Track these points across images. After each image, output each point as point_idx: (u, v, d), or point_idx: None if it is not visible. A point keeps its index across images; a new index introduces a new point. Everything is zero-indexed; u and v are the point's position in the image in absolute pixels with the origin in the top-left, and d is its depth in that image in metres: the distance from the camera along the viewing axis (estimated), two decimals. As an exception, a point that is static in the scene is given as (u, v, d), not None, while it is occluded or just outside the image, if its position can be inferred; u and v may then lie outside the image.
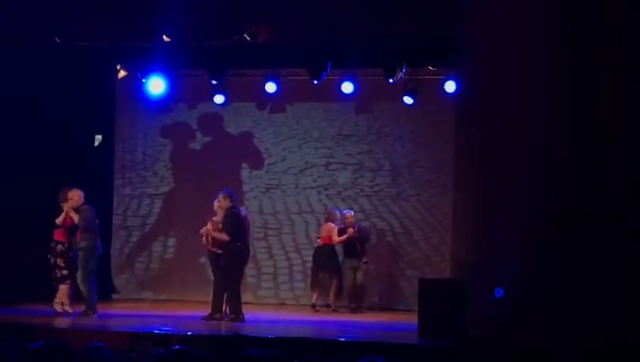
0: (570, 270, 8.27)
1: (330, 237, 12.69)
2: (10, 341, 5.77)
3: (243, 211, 11.34)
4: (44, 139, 12.63)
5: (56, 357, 3.99)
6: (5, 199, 12.00)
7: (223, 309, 10.87)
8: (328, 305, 12.65)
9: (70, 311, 10.87)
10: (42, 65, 12.05)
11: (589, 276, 8.19)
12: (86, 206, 10.99)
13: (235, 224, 10.92)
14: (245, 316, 10.91)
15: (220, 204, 11.03)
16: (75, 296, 11.04)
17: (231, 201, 10.99)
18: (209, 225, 11.10)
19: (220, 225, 10.95)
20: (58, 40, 11.00)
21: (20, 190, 12.21)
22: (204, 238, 11.24)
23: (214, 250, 11.05)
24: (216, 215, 11.14)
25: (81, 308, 10.90)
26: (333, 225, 12.74)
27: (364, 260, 12.70)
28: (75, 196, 10.96)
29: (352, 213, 12.97)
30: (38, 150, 12.54)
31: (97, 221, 11.11)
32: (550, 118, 8.53)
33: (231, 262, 10.88)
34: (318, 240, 12.93)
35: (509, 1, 8.96)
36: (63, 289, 10.95)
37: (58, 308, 10.88)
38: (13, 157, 12.18)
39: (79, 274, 10.80)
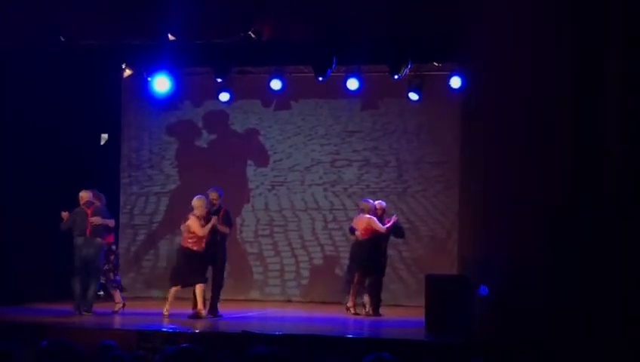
0: (575, 266, 8.27)
1: (371, 230, 11.52)
2: (19, 340, 5.79)
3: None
4: (50, 138, 12.66)
5: (61, 356, 4.00)
6: (13, 199, 12.03)
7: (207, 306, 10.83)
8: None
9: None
10: (47, 64, 12.06)
11: (595, 272, 8.19)
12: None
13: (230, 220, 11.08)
14: (252, 313, 10.91)
15: (213, 200, 10.99)
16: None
17: (219, 198, 11.09)
18: (191, 221, 10.87)
19: (203, 220, 10.81)
20: (62, 39, 11.00)
21: (28, 189, 12.23)
22: (184, 234, 11.01)
23: (189, 246, 10.86)
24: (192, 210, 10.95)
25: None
26: (368, 215, 11.62)
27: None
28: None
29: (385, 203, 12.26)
30: (44, 149, 12.57)
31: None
32: (553, 114, 8.53)
33: (225, 258, 11.04)
34: (357, 234, 11.65)
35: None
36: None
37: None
38: (19, 156, 12.20)
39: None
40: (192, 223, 10.67)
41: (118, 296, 11.31)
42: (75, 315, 10.64)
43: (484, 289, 10.37)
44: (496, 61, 9.04)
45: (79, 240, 10.78)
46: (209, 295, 10.97)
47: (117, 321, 10.62)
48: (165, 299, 10.99)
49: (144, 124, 14.48)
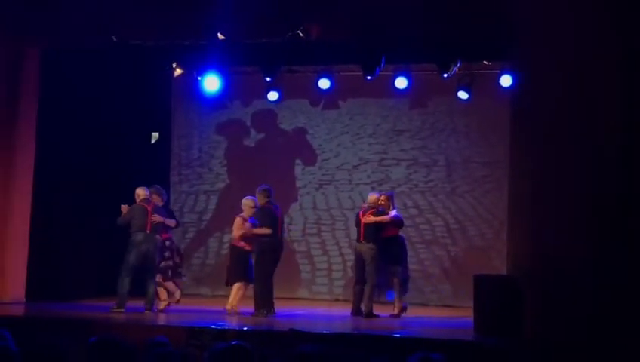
0: (630, 268, 8.14)
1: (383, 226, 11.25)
2: (69, 336, 5.88)
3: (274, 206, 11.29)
4: (102, 137, 12.85)
5: (110, 352, 4.06)
6: (65, 197, 12.22)
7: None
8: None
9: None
10: (100, 64, 12.24)
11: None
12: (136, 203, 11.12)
13: (273, 218, 11.02)
14: (300, 312, 10.92)
15: (258, 199, 11.07)
16: (134, 292, 11.13)
17: (267, 197, 11.08)
18: (239, 221, 11.02)
19: (246, 221, 10.90)
20: (114, 39, 11.15)
21: (80, 188, 12.42)
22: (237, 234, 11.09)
23: (242, 246, 10.97)
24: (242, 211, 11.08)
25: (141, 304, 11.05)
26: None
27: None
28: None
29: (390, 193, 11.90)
30: (96, 148, 12.75)
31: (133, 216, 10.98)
32: (602, 111, 8.42)
33: (270, 257, 10.97)
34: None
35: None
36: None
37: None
38: (71, 155, 12.39)
39: None
40: (235, 223, 10.85)
41: (178, 291, 11.39)
42: (126, 312, 10.74)
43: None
44: (544, 60, 8.95)
45: (139, 236, 10.81)
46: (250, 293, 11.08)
47: (166, 318, 10.72)
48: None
49: (194, 123, 14.61)
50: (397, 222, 11.36)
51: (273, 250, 11.02)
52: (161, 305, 11.18)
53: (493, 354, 8.35)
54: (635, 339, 8.00)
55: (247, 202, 11.04)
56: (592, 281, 8.33)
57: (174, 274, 11.46)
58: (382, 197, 11.44)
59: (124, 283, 10.79)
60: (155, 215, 10.93)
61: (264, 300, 10.83)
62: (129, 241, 10.84)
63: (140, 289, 10.96)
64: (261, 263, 10.92)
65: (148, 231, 10.84)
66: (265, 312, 10.75)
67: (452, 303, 12.92)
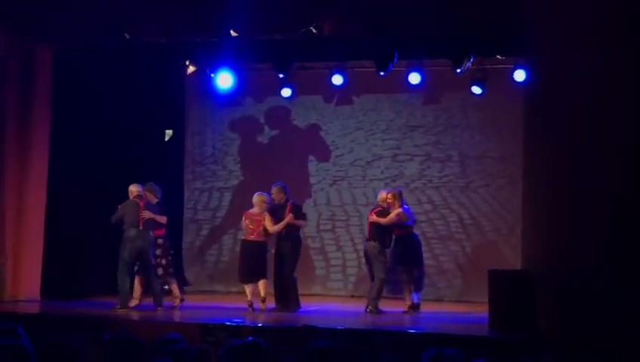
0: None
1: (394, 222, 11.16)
2: (83, 334, 5.90)
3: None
4: (116, 136, 12.88)
5: (124, 349, 4.07)
6: (79, 195, 12.26)
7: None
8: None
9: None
10: (113, 63, 12.28)
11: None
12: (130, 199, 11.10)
13: (303, 213, 11.32)
14: (315, 308, 10.96)
15: (275, 196, 11.10)
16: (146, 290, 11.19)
17: (285, 193, 11.19)
18: (268, 217, 11.02)
19: (264, 217, 10.94)
20: (127, 37, 11.18)
21: (94, 186, 12.46)
22: (248, 227, 11.10)
23: (260, 239, 10.99)
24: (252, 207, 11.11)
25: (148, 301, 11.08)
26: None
27: None
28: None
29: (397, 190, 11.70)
30: (110, 147, 12.78)
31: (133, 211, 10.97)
32: (618, 107, 8.37)
33: (299, 251, 11.23)
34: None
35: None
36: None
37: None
38: (84, 153, 12.43)
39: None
40: (266, 219, 10.98)
41: (176, 290, 11.36)
42: (137, 310, 10.77)
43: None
44: (559, 54, 8.90)
45: (132, 232, 10.80)
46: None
47: (180, 315, 10.74)
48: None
49: (207, 121, 14.63)
50: (397, 223, 11.16)
51: (300, 244, 11.42)
52: (132, 303, 10.97)
53: (507, 350, 8.32)
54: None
55: (262, 198, 11.09)
56: (608, 277, 8.28)
57: (166, 274, 11.34)
58: (388, 195, 11.32)
59: (124, 281, 10.78)
60: (146, 211, 10.92)
61: (295, 294, 11.08)
62: (122, 238, 10.86)
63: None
64: (293, 257, 11.16)
65: (141, 228, 10.83)
66: (296, 307, 10.97)
67: (467, 298, 12.88)
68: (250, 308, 10.79)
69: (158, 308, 10.83)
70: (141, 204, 10.96)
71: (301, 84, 13.58)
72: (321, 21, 10.81)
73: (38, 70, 11.96)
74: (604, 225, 8.39)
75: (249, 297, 10.89)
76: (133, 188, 11.13)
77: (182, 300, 11.29)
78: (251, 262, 10.98)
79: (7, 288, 11.55)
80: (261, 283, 10.91)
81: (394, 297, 11.35)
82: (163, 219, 11.27)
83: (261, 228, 10.98)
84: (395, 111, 13.93)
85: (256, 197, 11.15)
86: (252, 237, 11.01)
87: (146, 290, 11.06)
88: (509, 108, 12.58)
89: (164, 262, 11.31)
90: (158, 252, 11.26)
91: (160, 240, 11.28)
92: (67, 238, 12.23)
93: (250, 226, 11.02)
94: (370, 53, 11.93)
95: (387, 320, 10.51)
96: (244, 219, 11.17)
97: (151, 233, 10.98)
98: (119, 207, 11.01)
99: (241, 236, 11.62)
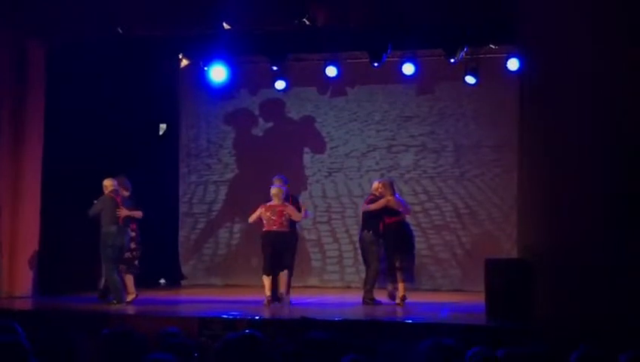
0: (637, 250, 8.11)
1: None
2: (81, 329, 5.90)
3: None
4: (110, 130, 12.83)
5: (123, 344, 4.07)
6: (73, 189, 12.22)
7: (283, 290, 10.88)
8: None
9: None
10: (106, 57, 12.24)
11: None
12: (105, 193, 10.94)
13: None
14: (312, 299, 10.94)
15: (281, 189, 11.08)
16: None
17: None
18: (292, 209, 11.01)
19: (285, 207, 10.91)
20: (120, 30, 11.14)
21: (88, 182, 12.42)
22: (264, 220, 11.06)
23: (285, 229, 10.97)
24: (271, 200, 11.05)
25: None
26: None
27: None
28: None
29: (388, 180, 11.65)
30: (104, 142, 12.73)
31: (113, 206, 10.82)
32: (614, 95, 8.37)
33: (297, 245, 11.29)
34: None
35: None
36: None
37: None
38: (78, 147, 12.39)
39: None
40: (291, 211, 10.95)
41: (131, 285, 10.98)
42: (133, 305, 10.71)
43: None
44: (553, 41, 8.89)
45: (113, 228, 10.66)
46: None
47: (178, 309, 10.74)
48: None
49: (201, 114, 14.62)
50: (390, 210, 11.08)
51: (297, 238, 11.64)
52: (129, 297, 10.85)
53: (505, 338, 8.33)
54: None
55: (281, 190, 10.96)
56: (605, 264, 8.30)
57: (132, 267, 11.09)
58: (380, 185, 11.24)
59: (114, 277, 10.66)
60: (123, 208, 10.75)
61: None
62: (102, 234, 10.69)
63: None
64: (294, 250, 11.27)
65: (121, 224, 10.72)
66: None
67: (463, 287, 12.91)
68: (267, 304, 10.64)
69: (115, 303, 10.57)
70: (118, 200, 10.83)
71: (295, 76, 13.57)
72: (315, 12, 10.78)
73: (30, 65, 11.88)
74: (600, 213, 8.40)
75: (268, 293, 10.74)
76: (108, 183, 10.89)
77: (136, 296, 10.92)
78: (278, 252, 10.89)
79: (2, 285, 11.52)
80: (283, 275, 10.86)
81: (381, 287, 11.23)
82: (139, 215, 11.04)
83: (283, 218, 10.91)
84: (389, 102, 13.92)
85: (274, 190, 11.03)
86: (275, 228, 10.91)
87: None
88: (503, 97, 12.59)
89: (136, 254, 11.16)
90: (133, 245, 11.08)
91: (133, 233, 11.06)
92: (62, 234, 12.20)
93: (273, 217, 10.91)
94: (363, 44, 11.92)
95: (384, 311, 10.52)
96: (262, 211, 10.92)
97: (129, 229, 10.86)
98: (95, 201, 10.85)
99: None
